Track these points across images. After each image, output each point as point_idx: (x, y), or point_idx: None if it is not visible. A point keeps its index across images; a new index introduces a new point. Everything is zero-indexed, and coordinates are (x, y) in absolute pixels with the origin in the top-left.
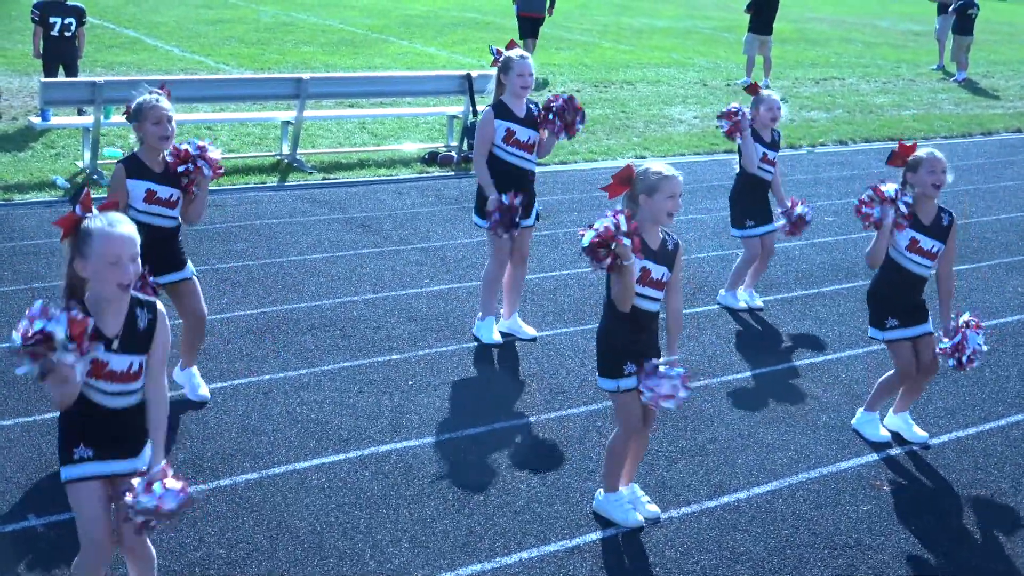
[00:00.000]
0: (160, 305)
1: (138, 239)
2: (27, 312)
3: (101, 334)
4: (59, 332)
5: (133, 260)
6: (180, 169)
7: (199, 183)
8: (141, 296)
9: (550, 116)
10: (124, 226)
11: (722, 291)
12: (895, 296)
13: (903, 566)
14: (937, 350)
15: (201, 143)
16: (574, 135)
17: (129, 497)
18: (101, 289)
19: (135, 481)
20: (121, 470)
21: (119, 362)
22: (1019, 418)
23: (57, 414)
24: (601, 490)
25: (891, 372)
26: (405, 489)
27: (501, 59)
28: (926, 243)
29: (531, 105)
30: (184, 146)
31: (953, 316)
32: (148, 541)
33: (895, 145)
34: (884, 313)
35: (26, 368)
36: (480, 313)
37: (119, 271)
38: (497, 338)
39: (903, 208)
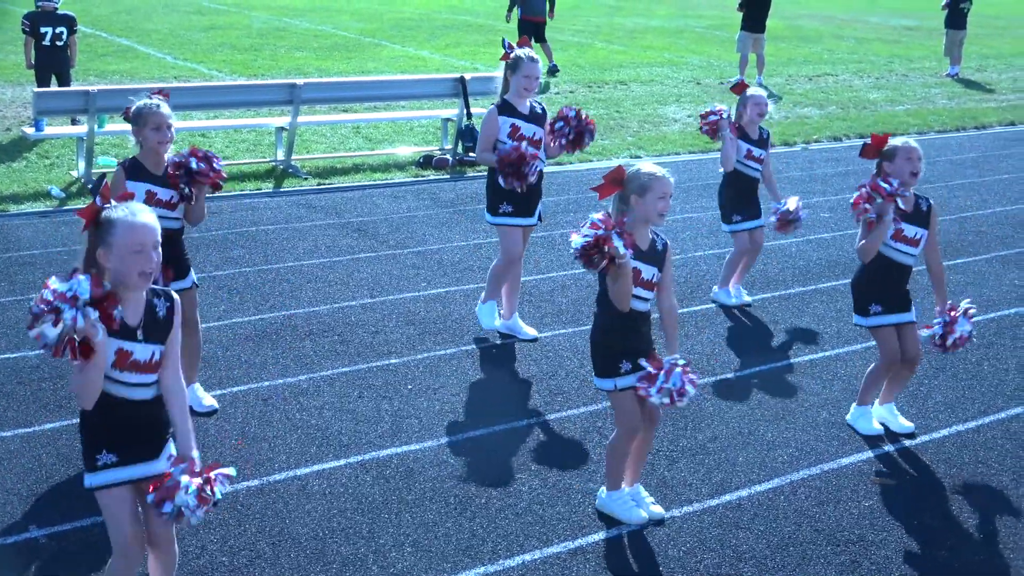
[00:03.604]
0: (174, 294)
1: (159, 227)
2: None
3: (124, 324)
4: (82, 290)
5: (155, 248)
6: (180, 184)
7: (197, 195)
8: (155, 286)
9: (558, 126)
10: (146, 215)
11: (715, 288)
12: (880, 286)
13: (906, 561)
14: (927, 331)
15: (201, 156)
16: (580, 150)
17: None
18: (124, 278)
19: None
20: (144, 474)
21: (143, 351)
22: (1019, 411)
23: (73, 421)
24: (603, 489)
25: (874, 364)
26: (406, 493)
27: (512, 55)
28: (909, 231)
29: (535, 103)
30: (183, 160)
31: (950, 303)
32: (175, 542)
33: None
34: (867, 300)
35: (43, 330)
36: (483, 295)
37: (143, 259)
38: (496, 324)
39: (901, 204)
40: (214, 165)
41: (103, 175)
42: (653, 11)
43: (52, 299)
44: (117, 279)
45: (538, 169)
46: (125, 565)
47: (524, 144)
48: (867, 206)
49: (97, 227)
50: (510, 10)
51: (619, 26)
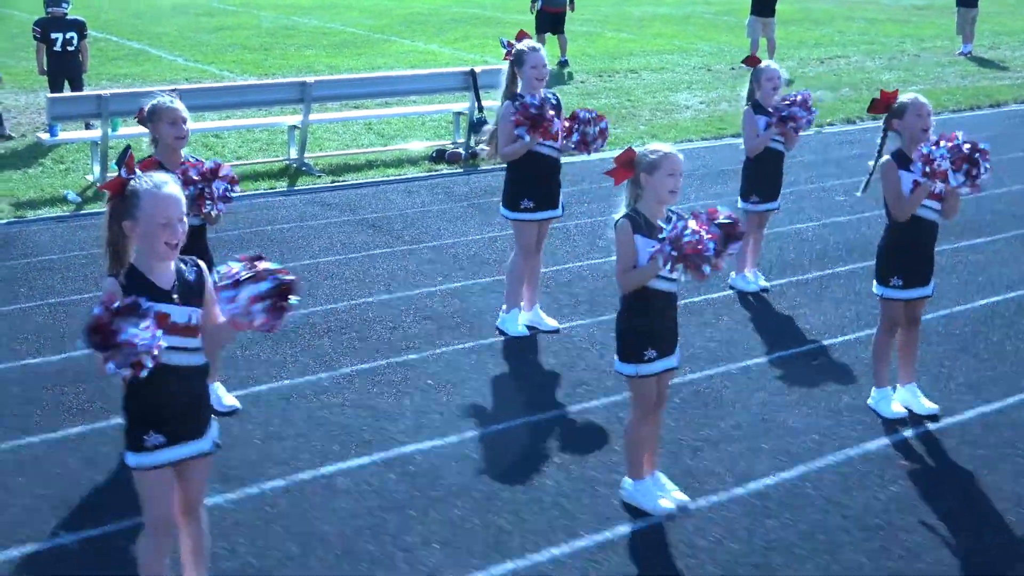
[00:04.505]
0: (199, 260)
1: (183, 198)
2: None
3: (158, 288)
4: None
5: (181, 220)
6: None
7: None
8: (181, 256)
9: (573, 125)
10: (170, 186)
11: (732, 274)
12: (907, 251)
13: (936, 545)
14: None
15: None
16: (592, 152)
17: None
18: (151, 249)
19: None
20: (189, 453)
21: (180, 314)
22: None
23: (97, 425)
24: (628, 479)
25: (877, 332)
26: (431, 490)
27: (513, 52)
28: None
29: (549, 95)
30: (195, 173)
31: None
32: (204, 512)
33: None
34: (892, 270)
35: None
36: (504, 306)
37: (169, 231)
38: (523, 330)
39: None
40: (227, 193)
41: (128, 146)
42: None
43: (136, 346)
44: (144, 250)
45: (552, 119)
46: (158, 544)
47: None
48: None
49: (123, 199)
50: (533, 1)
51: (628, 14)
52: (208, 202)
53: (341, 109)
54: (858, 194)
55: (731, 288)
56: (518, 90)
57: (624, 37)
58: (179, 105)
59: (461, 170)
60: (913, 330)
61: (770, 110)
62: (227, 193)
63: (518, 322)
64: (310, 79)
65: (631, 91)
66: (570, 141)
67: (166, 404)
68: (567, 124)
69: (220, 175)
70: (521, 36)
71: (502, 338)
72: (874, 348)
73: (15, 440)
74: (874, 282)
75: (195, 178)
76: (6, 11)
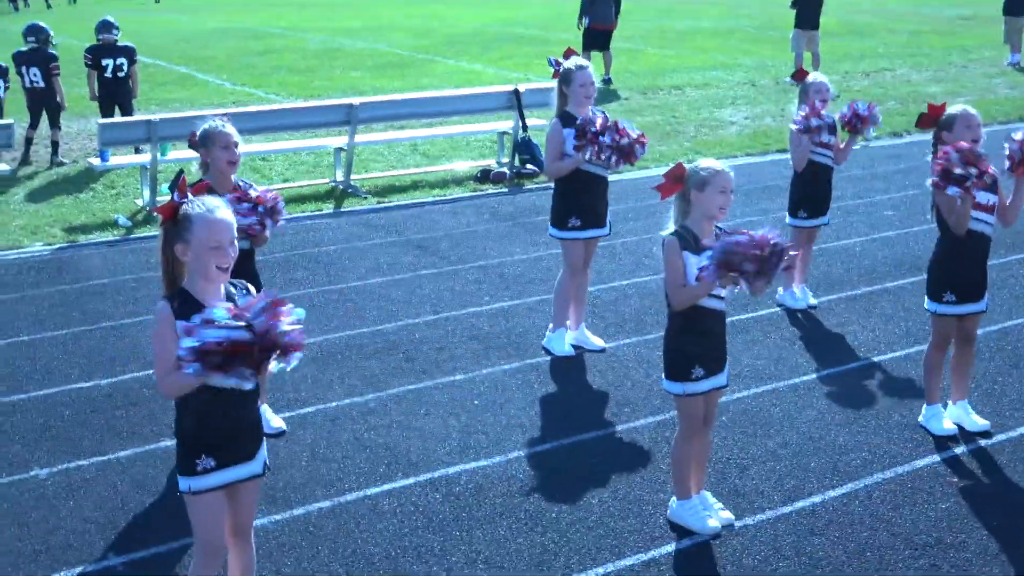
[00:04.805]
0: (248, 284)
1: (235, 222)
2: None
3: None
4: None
5: (232, 244)
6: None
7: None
8: (231, 280)
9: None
10: (222, 211)
11: (780, 290)
12: (961, 264)
13: (987, 563)
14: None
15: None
16: (629, 163)
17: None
18: (202, 272)
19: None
20: (240, 476)
21: None
22: None
23: (147, 447)
24: (674, 499)
25: (928, 348)
26: (477, 510)
27: (561, 70)
28: (982, 198)
29: (597, 112)
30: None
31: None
32: (253, 535)
33: None
34: (944, 285)
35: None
36: (551, 325)
37: (220, 254)
38: (569, 350)
39: (986, 172)
40: (273, 221)
41: (181, 170)
42: (703, 13)
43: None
44: (195, 273)
45: (614, 137)
46: (207, 566)
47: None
48: (960, 172)
49: (175, 223)
50: (581, 17)
51: (669, 29)
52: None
53: (386, 130)
54: (928, 217)
55: (779, 305)
56: (567, 107)
57: (667, 53)
58: (231, 129)
59: (506, 189)
60: (967, 348)
61: (811, 123)
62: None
63: (564, 341)
64: (356, 101)
65: (675, 107)
66: (609, 158)
67: (218, 427)
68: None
69: (267, 203)
70: (568, 54)
71: (548, 358)
72: (925, 364)
73: (65, 463)
74: (926, 298)
75: (250, 203)
76: (58, 39)
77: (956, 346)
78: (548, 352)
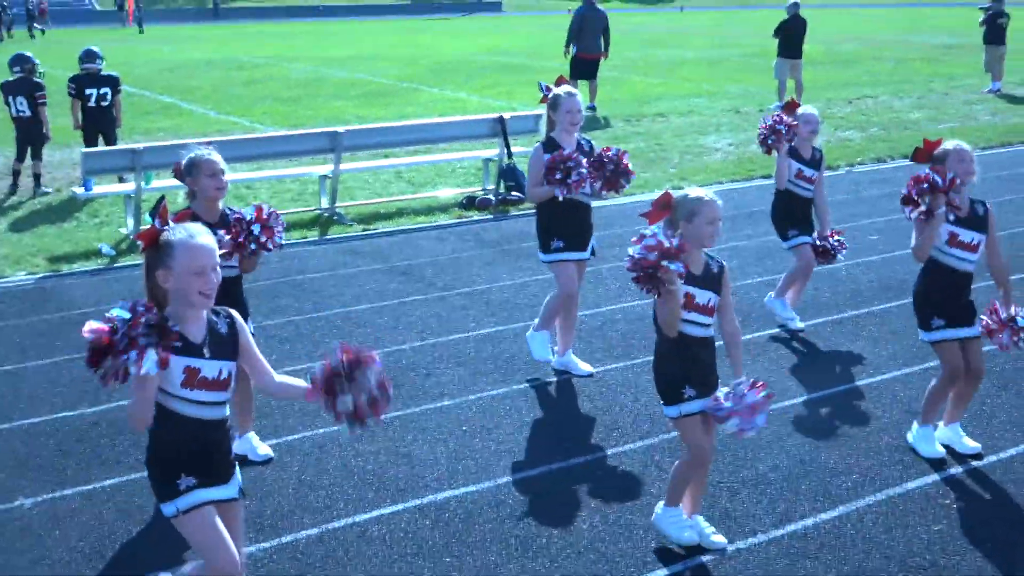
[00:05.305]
0: (233, 312)
1: (217, 248)
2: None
3: (189, 342)
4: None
5: (214, 269)
6: (239, 239)
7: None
8: (214, 307)
9: (596, 164)
10: (204, 236)
11: (770, 294)
12: (941, 296)
13: None
14: (986, 323)
15: (265, 221)
16: (616, 191)
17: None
18: (184, 299)
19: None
20: (219, 497)
21: (210, 368)
22: None
23: (132, 476)
24: (661, 503)
25: (936, 379)
26: (467, 536)
27: (550, 96)
28: (965, 236)
29: (582, 140)
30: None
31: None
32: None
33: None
34: (930, 313)
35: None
36: (535, 323)
37: (202, 280)
38: (547, 356)
39: (955, 200)
40: (274, 236)
41: (162, 196)
42: (688, 43)
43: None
44: (177, 299)
45: (583, 176)
46: None
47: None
48: (918, 198)
49: (156, 249)
50: (567, 46)
51: (654, 59)
52: (252, 244)
53: (371, 158)
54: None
55: (766, 306)
56: (553, 132)
57: (652, 81)
58: (217, 157)
59: (491, 216)
60: (974, 383)
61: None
62: (271, 233)
63: (545, 346)
64: (340, 129)
65: (660, 135)
66: (593, 181)
67: (192, 450)
68: (591, 164)
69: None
70: (560, 81)
71: (536, 383)
72: (930, 391)
73: (50, 493)
74: (919, 331)
75: (241, 220)
76: (41, 68)
77: (963, 381)
78: (529, 354)
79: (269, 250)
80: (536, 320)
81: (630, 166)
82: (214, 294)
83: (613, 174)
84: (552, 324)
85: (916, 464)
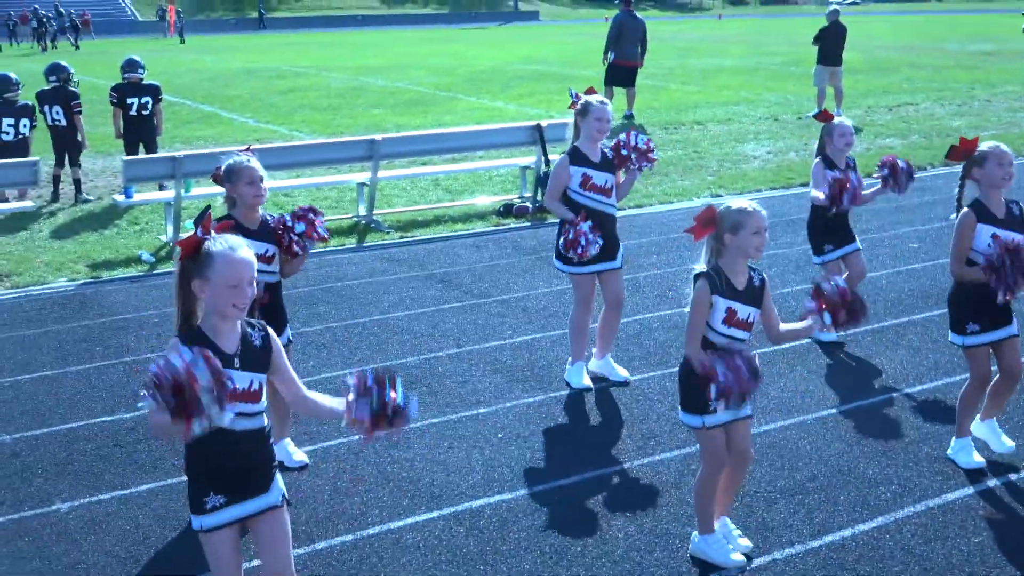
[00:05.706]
0: (267, 326)
1: (255, 262)
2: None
3: (221, 352)
4: (202, 377)
5: (251, 284)
6: (285, 243)
7: (301, 251)
8: (248, 319)
9: (624, 152)
10: (244, 250)
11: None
12: (979, 298)
13: None
14: None
15: (304, 216)
16: (652, 164)
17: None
18: (219, 311)
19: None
20: (254, 510)
21: (241, 379)
22: None
23: (168, 481)
24: (696, 533)
25: (965, 387)
26: (501, 544)
27: (580, 103)
28: (1006, 237)
29: (605, 150)
30: (287, 223)
31: None
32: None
33: None
34: (966, 317)
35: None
36: (570, 358)
37: (238, 293)
38: (587, 383)
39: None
40: (316, 228)
41: (208, 206)
42: (726, 51)
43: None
44: (211, 310)
45: (593, 252)
46: None
47: (586, 225)
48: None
49: (195, 259)
50: (606, 53)
51: (692, 67)
52: (296, 244)
53: (409, 166)
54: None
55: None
56: (578, 140)
57: (689, 89)
58: (256, 164)
59: (529, 224)
60: (1011, 384)
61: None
62: (312, 224)
63: (583, 375)
64: (378, 137)
65: (697, 142)
66: (630, 164)
67: (225, 466)
68: (617, 155)
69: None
70: (590, 92)
71: (572, 391)
72: (961, 399)
73: (87, 497)
74: (950, 332)
75: (286, 224)
76: (84, 78)
77: (1000, 379)
78: (568, 385)
79: (315, 239)
80: (570, 357)
81: (651, 143)
82: (247, 307)
83: (640, 152)
84: (584, 348)
85: (956, 475)
